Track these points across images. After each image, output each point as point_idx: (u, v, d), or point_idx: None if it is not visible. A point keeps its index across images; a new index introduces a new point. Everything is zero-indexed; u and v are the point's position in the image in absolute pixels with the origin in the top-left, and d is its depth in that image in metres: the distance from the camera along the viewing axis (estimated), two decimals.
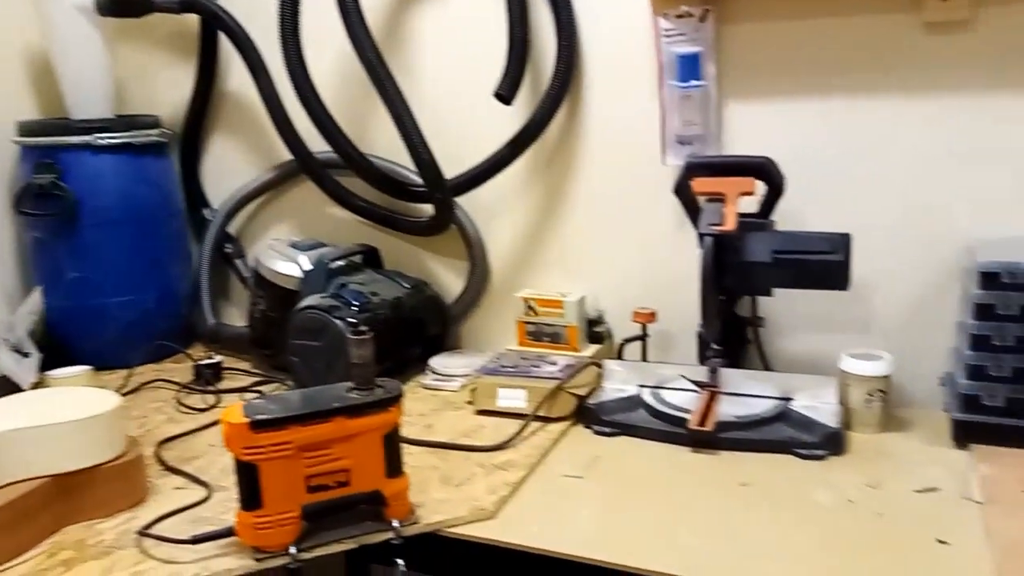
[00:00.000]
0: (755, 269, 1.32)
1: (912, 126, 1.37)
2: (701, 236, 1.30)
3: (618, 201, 1.60)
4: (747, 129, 1.48)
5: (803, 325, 1.52)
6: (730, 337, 1.48)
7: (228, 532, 1.03)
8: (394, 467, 1.06)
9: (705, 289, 1.30)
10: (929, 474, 1.18)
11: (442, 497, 1.17)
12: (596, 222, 1.64)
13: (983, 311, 1.21)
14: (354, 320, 1.46)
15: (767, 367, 1.50)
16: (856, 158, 1.42)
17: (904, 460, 1.24)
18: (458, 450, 1.32)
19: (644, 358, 1.57)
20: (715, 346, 1.45)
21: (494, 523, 1.11)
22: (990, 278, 1.20)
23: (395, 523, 1.06)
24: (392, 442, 1.06)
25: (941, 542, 1.01)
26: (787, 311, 1.52)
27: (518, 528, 1.10)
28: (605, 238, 1.64)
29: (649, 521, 1.11)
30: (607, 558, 1.03)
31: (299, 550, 1.02)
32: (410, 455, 1.30)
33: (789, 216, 1.45)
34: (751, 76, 1.46)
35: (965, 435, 1.25)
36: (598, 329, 1.64)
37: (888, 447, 1.29)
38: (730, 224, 1.28)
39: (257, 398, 1.23)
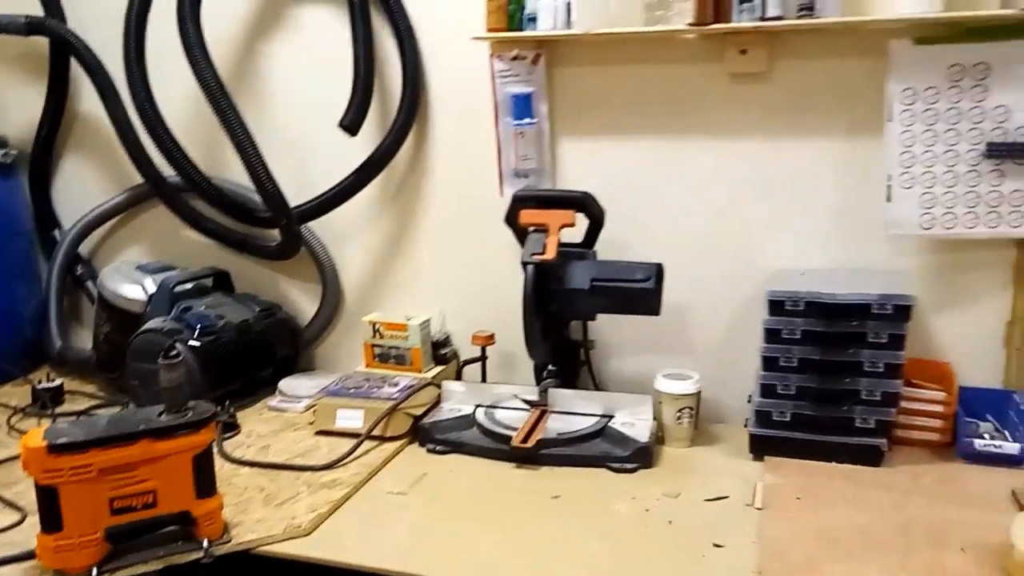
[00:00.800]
0: (575, 296, 1.41)
1: (720, 165, 1.50)
2: (524, 265, 1.38)
3: (463, 229, 1.68)
4: (578, 164, 1.58)
5: (632, 348, 1.63)
6: (563, 359, 1.57)
7: (29, 555, 1.03)
8: (205, 487, 1.09)
9: (527, 314, 1.38)
10: (723, 484, 1.29)
11: (261, 516, 1.19)
12: (443, 248, 1.71)
13: (771, 335, 1.34)
14: (170, 345, 1.47)
15: (597, 387, 1.60)
16: (673, 194, 1.54)
17: (705, 472, 1.35)
18: (288, 470, 1.35)
19: (484, 379, 1.64)
20: (550, 367, 1.55)
21: (308, 540, 1.15)
22: (776, 305, 1.33)
23: (205, 543, 1.09)
24: (203, 463, 1.08)
25: (717, 545, 1.11)
26: (617, 335, 1.63)
27: (332, 544, 1.14)
28: (451, 264, 1.71)
29: (459, 533, 1.17)
30: (415, 570, 1.08)
31: (101, 572, 1.03)
32: (239, 476, 1.33)
33: (617, 246, 1.55)
34: (581, 115, 1.56)
35: (760, 448, 1.37)
36: (444, 351, 1.70)
37: (695, 460, 1.40)
38: (550, 254, 1.37)
39: (64, 422, 1.23)
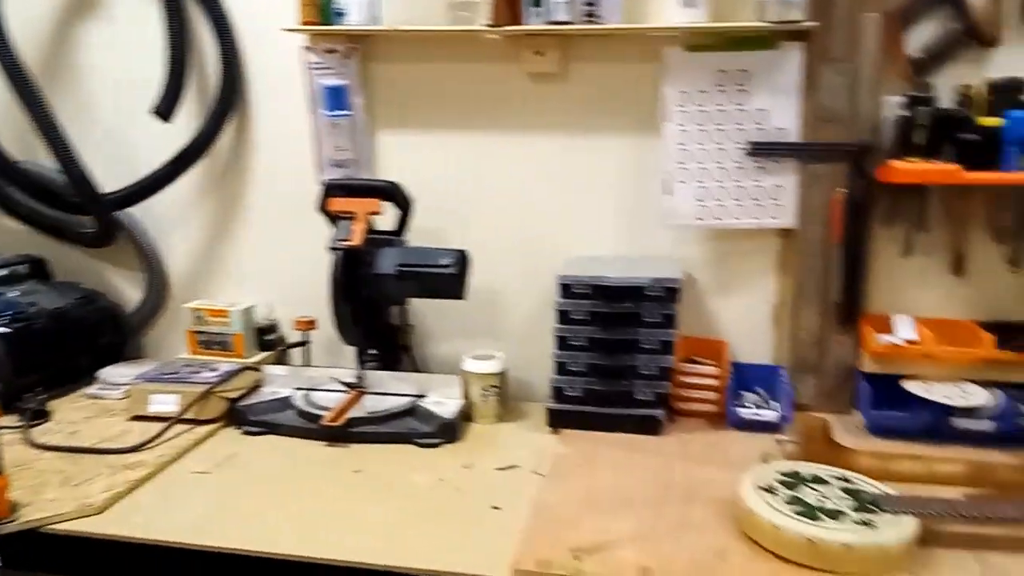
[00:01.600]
0: (383, 280, 1.48)
1: (522, 159, 1.61)
2: (332, 250, 1.44)
3: (286, 216, 1.72)
4: (396, 156, 1.65)
5: (451, 332, 1.71)
6: (384, 343, 1.64)
7: None
8: None
9: (335, 299, 1.44)
10: (518, 455, 1.39)
11: (54, 497, 1.21)
12: (268, 235, 1.75)
13: (563, 316, 1.46)
14: None
15: (416, 369, 1.68)
16: (481, 185, 1.64)
17: (504, 445, 1.45)
18: (92, 453, 1.36)
19: (307, 363, 1.69)
20: (371, 351, 1.61)
21: (100, 518, 1.17)
22: (566, 289, 1.45)
23: None
24: None
25: (495, 508, 1.21)
26: (439, 320, 1.71)
27: (123, 521, 1.17)
28: (278, 251, 1.75)
29: (257, 508, 1.22)
30: (209, 543, 1.13)
31: None
32: (41, 460, 1.33)
33: (431, 234, 1.64)
34: (397, 110, 1.63)
35: (556, 421, 1.48)
36: (269, 337, 1.74)
37: (498, 434, 1.50)
38: (356, 240, 1.43)
39: None
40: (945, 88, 1.40)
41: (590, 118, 1.56)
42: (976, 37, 1.40)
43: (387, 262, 1.48)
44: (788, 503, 1.08)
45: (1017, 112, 1.30)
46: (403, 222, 1.55)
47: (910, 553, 1.02)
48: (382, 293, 1.50)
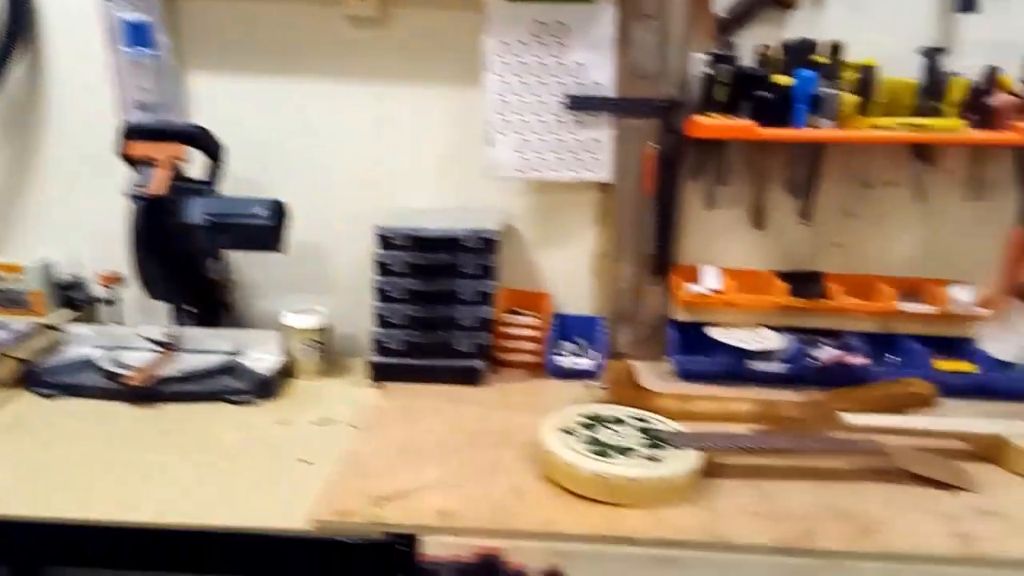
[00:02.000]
0: (192, 231, 1.41)
1: (344, 106, 1.56)
2: (131, 198, 1.36)
3: (88, 162, 1.59)
4: (208, 100, 1.56)
5: (277, 287, 1.66)
6: (202, 299, 1.57)
7: None
8: None
9: (135, 251, 1.36)
10: (336, 410, 1.38)
11: None
12: (69, 184, 1.61)
13: (382, 268, 1.44)
14: None
15: (237, 325, 1.62)
16: (301, 133, 1.58)
17: (324, 399, 1.43)
18: None
19: (118, 322, 1.59)
20: (187, 308, 1.54)
21: None
22: (384, 240, 1.43)
23: None
24: None
25: (304, 462, 1.20)
26: (262, 273, 1.65)
27: None
28: (81, 200, 1.62)
29: (54, 473, 1.14)
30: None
31: None
32: None
33: (252, 184, 1.57)
34: (213, 51, 1.54)
35: (379, 375, 1.48)
36: (75, 295, 1.62)
37: (319, 390, 1.47)
38: (157, 188, 1.35)
39: None
40: (748, 47, 1.48)
41: (412, 65, 1.53)
42: (775, 1, 1.48)
43: (195, 212, 1.40)
44: (584, 443, 1.13)
45: (806, 71, 1.39)
46: (214, 170, 1.47)
47: (693, 484, 1.09)
48: (192, 245, 1.43)
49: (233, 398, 1.39)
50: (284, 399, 1.43)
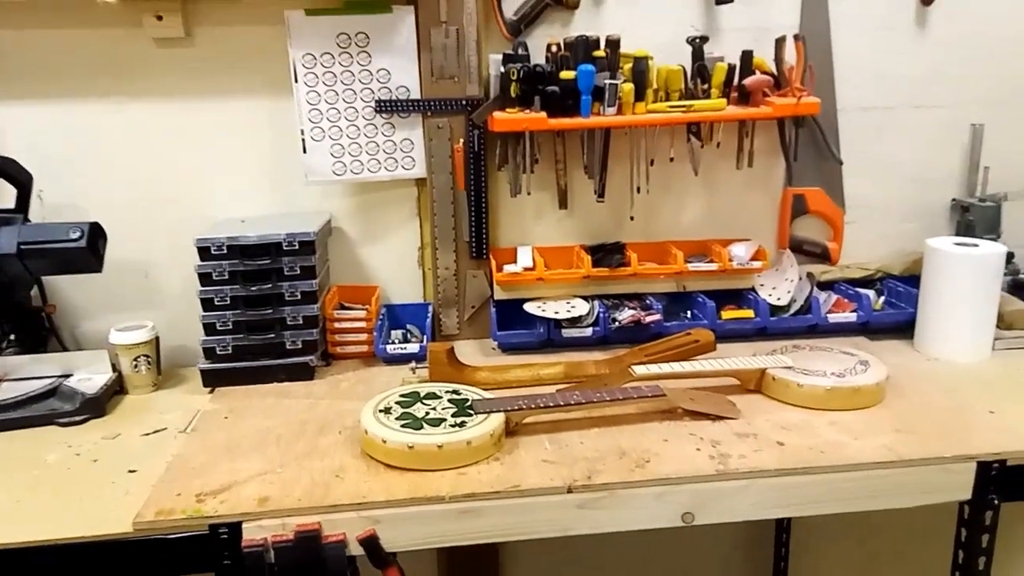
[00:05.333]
0: (3, 261, 1.41)
1: (158, 124, 1.59)
2: None
3: None
4: (16, 129, 1.56)
5: (103, 307, 1.66)
6: (23, 326, 1.56)
7: None
8: None
9: None
10: (168, 419, 1.41)
11: None
12: None
13: (204, 278, 1.49)
14: None
15: (65, 348, 1.62)
16: (116, 154, 1.60)
17: (156, 411, 1.46)
18: None
19: None
20: (7, 336, 1.53)
21: None
22: (204, 251, 1.48)
23: None
24: None
25: (131, 471, 1.24)
26: (88, 294, 1.65)
27: None
28: None
29: None
30: None
31: None
32: None
33: (68, 208, 1.58)
34: (14, 80, 1.53)
35: (211, 381, 1.52)
36: None
37: (153, 403, 1.50)
38: None
39: None
40: (538, 46, 1.61)
41: (223, 81, 1.58)
42: (558, 2, 1.62)
43: (5, 242, 1.40)
44: (398, 419, 1.23)
45: (586, 66, 1.53)
46: (23, 199, 1.47)
47: (496, 443, 1.21)
48: (4, 274, 1.43)
49: (61, 420, 1.40)
50: (115, 415, 1.45)
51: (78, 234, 1.43)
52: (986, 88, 1.74)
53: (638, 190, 1.68)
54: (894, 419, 1.30)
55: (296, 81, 1.56)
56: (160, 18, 1.51)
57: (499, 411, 1.24)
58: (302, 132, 1.59)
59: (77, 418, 1.40)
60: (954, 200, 1.79)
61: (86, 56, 1.54)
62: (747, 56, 1.61)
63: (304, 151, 1.60)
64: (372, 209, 1.70)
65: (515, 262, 1.69)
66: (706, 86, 1.61)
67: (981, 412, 1.34)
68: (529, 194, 1.64)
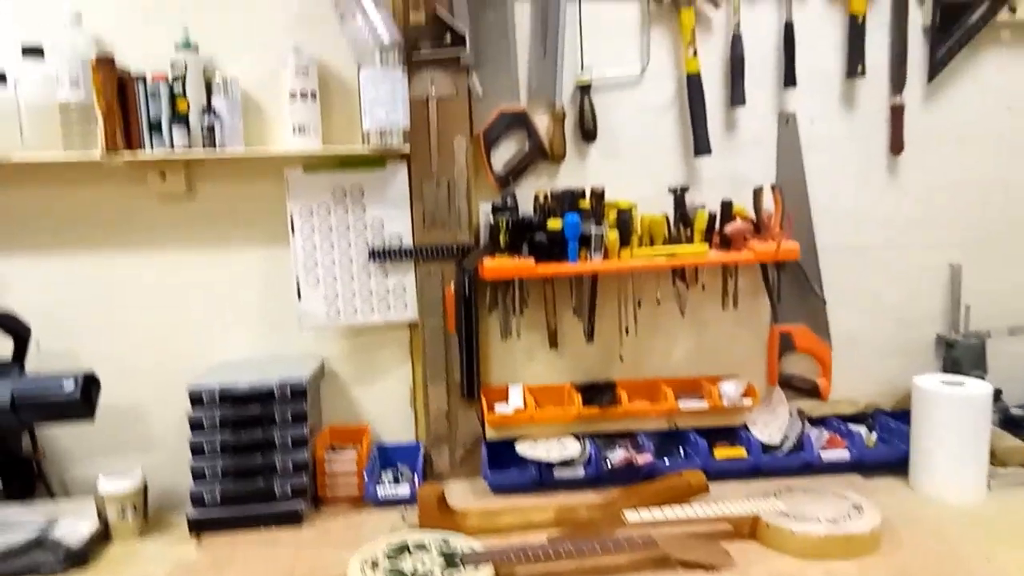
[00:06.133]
0: None
1: (158, 275, 1.65)
2: None
3: None
4: (20, 281, 1.62)
5: (95, 451, 1.67)
6: (13, 474, 1.56)
7: None
8: None
9: None
10: (150, 570, 1.39)
11: None
12: None
13: (195, 425, 1.50)
14: None
15: (52, 495, 1.61)
16: (116, 304, 1.65)
17: (140, 561, 1.43)
18: None
19: None
20: None
21: None
22: (196, 399, 1.50)
23: None
24: None
25: None
26: (82, 441, 1.66)
27: None
28: None
29: None
30: None
31: None
32: None
33: (66, 357, 1.62)
34: (17, 234, 1.61)
35: (198, 528, 1.50)
36: None
37: (137, 552, 1.47)
38: None
39: None
40: (527, 196, 1.69)
41: (223, 232, 1.65)
42: (545, 154, 1.71)
43: (0, 392, 1.43)
44: (387, 573, 1.21)
45: (572, 216, 1.60)
46: (20, 350, 1.51)
47: None
48: None
49: (43, 573, 1.37)
50: (99, 566, 1.42)
51: (72, 386, 1.45)
52: (961, 229, 1.81)
53: (626, 331, 1.72)
54: (890, 570, 1.28)
55: (293, 233, 1.64)
56: (164, 176, 1.60)
57: (491, 562, 1.22)
58: (297, 280, 1.65)
59: (60, 571, 1.38)
60: (938, 336, 1.82)
61: (91, 211, 1.62)
62: (727, 205, 1.68)
63: (299, 298, 1.65)
64: (365, 351, 1.73)
65: (506, 401, 1.71)
66: (689, 231, 1.67)
67: (979, 560, 1.31)
68: (519, 337, 1.68)
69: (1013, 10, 1.71)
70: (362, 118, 1.57)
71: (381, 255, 1.66)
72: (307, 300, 1.65)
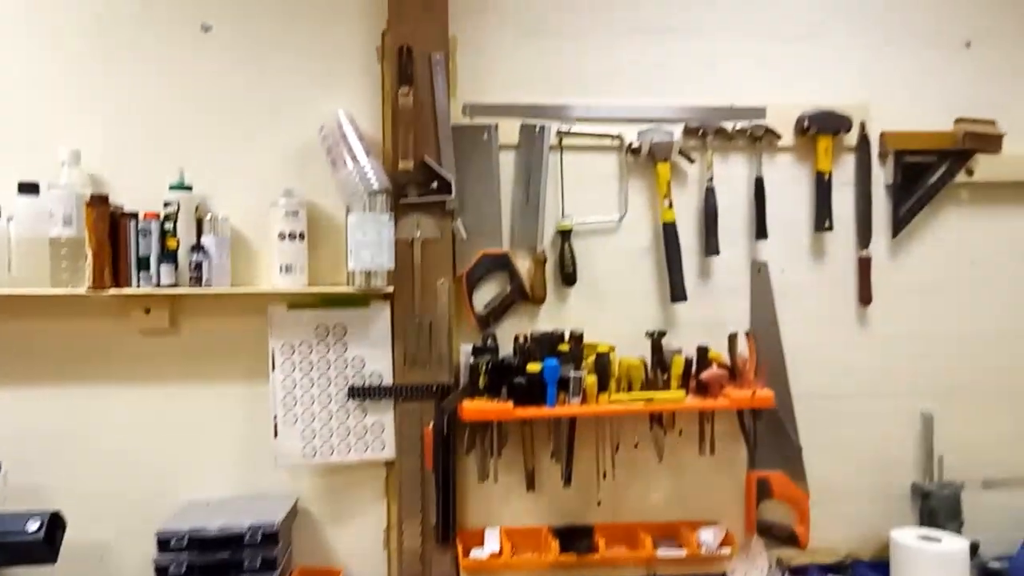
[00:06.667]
0: None
1: (136, 409, 1.64)
2: None
3: None
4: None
5: None
6: None
7: None
8: None
9: None
10: None
11: None
12: None
13: (162, 571, 1.45)
14: None
15: None
16: (88, 438, 1.63)
17: None
18: None
19: None
20: None
21: None
22: (164, 543, 1.46)
23: None
24: None
25: None
26: None
27: None
28: None
29: None
30: None
31: None
32: None
33: (30, 492, 1.58)
34: None
35: None
36: None
37: None
38: None
39: None
40: (508, 337, 1.71)
41: (203, 367, 1.65)
42: (526, 296, 1.75)
43: None
44: None
45: (551, 360, 1.62)
46: None
47: None
48: None
49: None
50: None
51: (36, 526, 1.41)
52: (933, 379, 1.85)
53: (604, 475, 1.72)
54: None
55: (273, 369, 1.64)
56: (148, 311, 1.62)
57: None
58: (275, 417, 1.64)
59: None
60: (914, 484, 1.83)
61: (71, 345, 1.62)
62: (703, 351, 1.71)
63: (275, 435, 1.64)
64: (340, 490, 1.70)
65: (482, 545, 1.67)
66: (666, 376, 1.70)
67: None
68: (496, 480, 1.66)
69: (970, 172, 1.81)
70: (348, 259, 1.61)
71: (361, 393, 1.67)
72: (284, 438, 1.63)
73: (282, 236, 1.61)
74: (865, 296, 1.81)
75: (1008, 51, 1.85)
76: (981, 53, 1.84)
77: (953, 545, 1.56)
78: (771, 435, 1.79)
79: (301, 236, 1.62)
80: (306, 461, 1.65)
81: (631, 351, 1.70)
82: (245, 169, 1.67)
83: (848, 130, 1.79)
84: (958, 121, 1.81)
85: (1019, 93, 1.85)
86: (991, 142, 1.81)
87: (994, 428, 1.85)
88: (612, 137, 1.76)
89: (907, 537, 1.59)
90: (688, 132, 1.77)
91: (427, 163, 1.67)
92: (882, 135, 1.81)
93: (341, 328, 1.67)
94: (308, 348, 1.65)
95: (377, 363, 1.68)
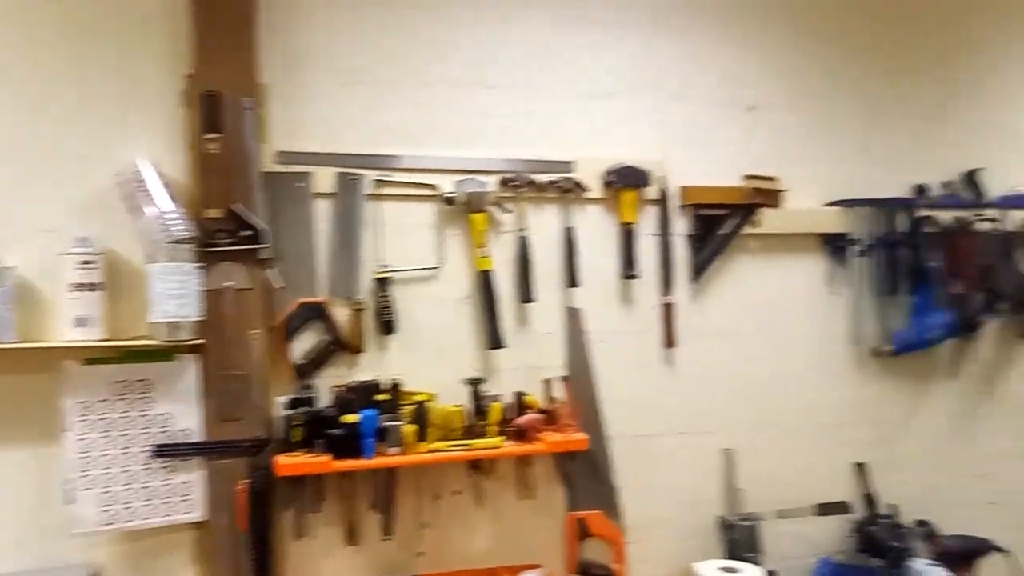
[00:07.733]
0: None
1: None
2: None
3: None
4: None
5: None
6: None
7: None
8: None
9: None
10: None
11: None
12: None
13: None
14: None
15: None
16: None
17: None
18: None
19: None
20: None
21: None
22: None
23: None
24: None
25: None
26: None
27: None
28: None
29: None
30: None
31: None
32: None
33: None
34: None
35: None
36: None
37: None
38: None
39: None
40: (327, 386, 1.69)
41: None
42: (344, 347, 1.74)
43: None
44: None
45: (368, 410, 1.61)
46: None
47: None
48: None
49: None
50: None
51: None
52: (734, 417, 1.99)
53: (424, 525, 1.71)
54: None
55: (65, 430, 1.53)
56: None
57: None
58: (68, 482, 1.52)
59: None
60: (718, 517, 1.95)
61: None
62: (519, 396, 1.76)
63: (69, 502, 1.52)
64: (144, 557, 1.59)
65: None
66: (484, 423, 1.73)
67: None
68: (316, 537, 1.62)
69: (757, 224, 1.99)
70: (150, 310, 1.54)
71: (168, 452, 1.58)
72: (80, 503, 1.52)
73: (76, 286, 1.52)
74: (670, 339, 1.93)
75: (784, 115, 2.06)
76: (763, 116, 2.04)
77: (751, 575, 1.67)
78: (589, 476, 1.86)
79: (98, 286, 1.54)
80: (105, 528, 1.54)
81: (452, 399, 1.72)
82: (34, 215, 1.56)
83: (648, 184, 1.92)
84: (746, 178, 2.00)
85: (795, 153, 2.06)
86: (773, 197, 2.00)
87: (790, 462, 2.01)
88: (428, 187, 1.81)
89: (708, 569, 1.69)
90: (502, 183, 1.84)
91: (236, 211, 1.64)
92: (681, 189, 1.96)
93: (144, 384, 1.58)
94: (106, 405, 1.55)
95: (185, 419, 1.60)
